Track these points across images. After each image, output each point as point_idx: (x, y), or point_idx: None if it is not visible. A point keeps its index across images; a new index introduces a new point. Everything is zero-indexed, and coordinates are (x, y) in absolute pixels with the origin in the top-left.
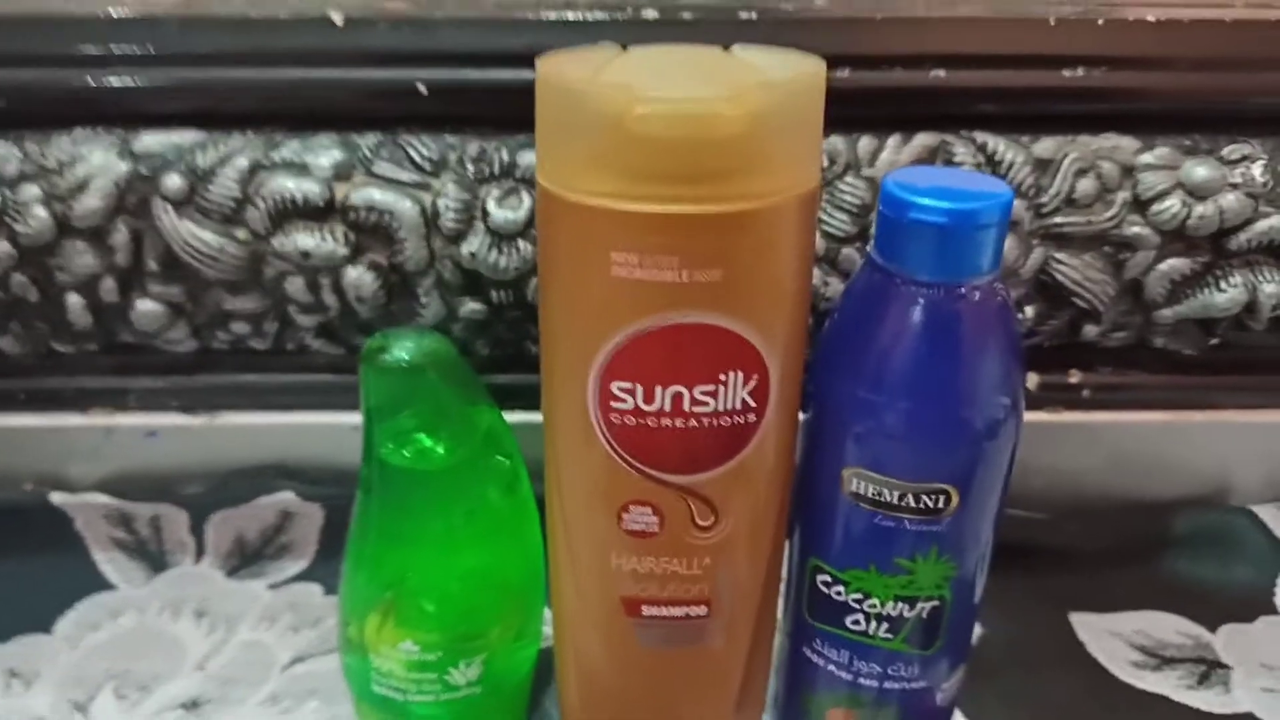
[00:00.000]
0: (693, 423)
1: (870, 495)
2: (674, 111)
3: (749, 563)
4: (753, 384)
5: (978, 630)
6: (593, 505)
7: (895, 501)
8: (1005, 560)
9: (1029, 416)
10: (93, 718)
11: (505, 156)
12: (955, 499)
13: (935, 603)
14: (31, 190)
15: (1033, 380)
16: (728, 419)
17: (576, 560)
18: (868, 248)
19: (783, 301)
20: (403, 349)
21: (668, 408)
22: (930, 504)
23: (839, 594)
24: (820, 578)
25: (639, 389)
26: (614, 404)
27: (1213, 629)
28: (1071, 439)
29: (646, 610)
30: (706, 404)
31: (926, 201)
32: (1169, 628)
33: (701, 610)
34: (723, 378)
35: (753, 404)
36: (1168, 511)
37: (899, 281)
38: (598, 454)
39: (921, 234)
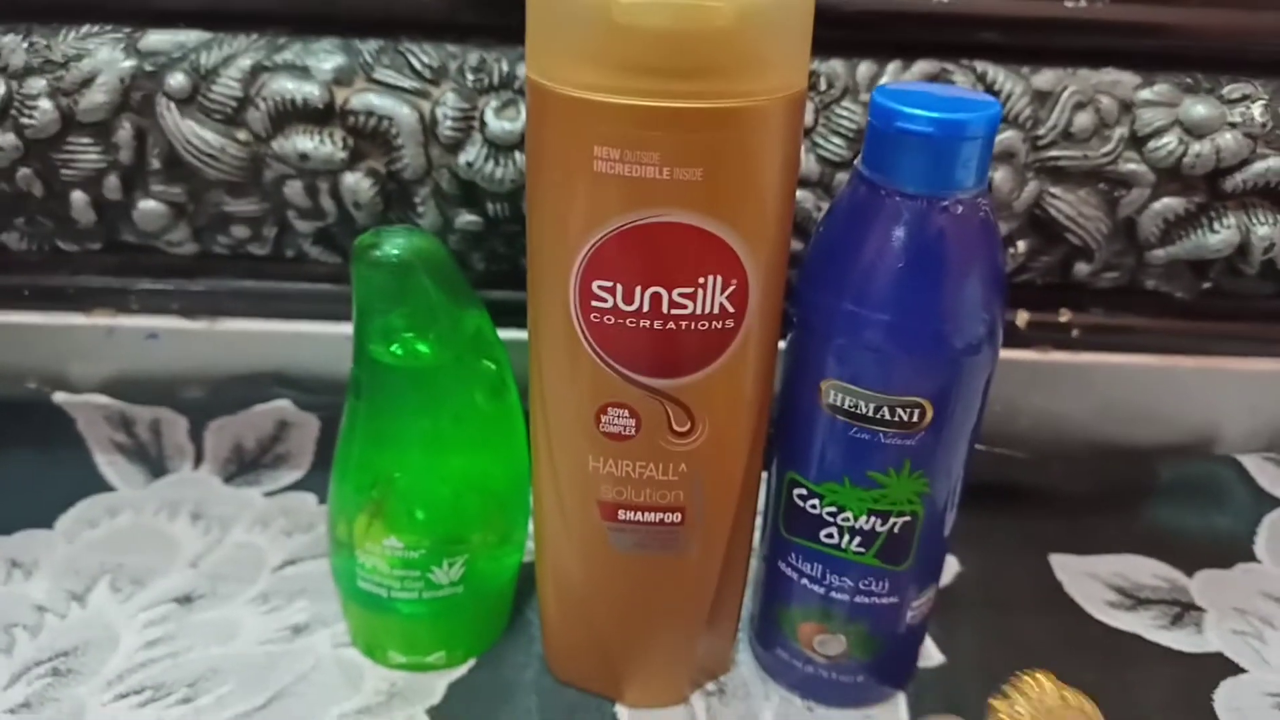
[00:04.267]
0: (670, 325)
1: (847, 408)
2: (662, 1)
3: (724, 472)
4: (731, 289)
5: (955, 566)
6: (573, 407)
7: (871, 414)
8: (986, 499)
9: (1018, 355)
10: (89, 606)
11: (505, 67)
12: (929, 413)
13: (907, 518)
14: (38, 83)
15: (1022, 318)
16: (705, 323)
17: (557, 463)
18: (856, 162)
19: (764, 206)
20: (393, 245)
21: (646, 309)
22: (905, 417)
23: (814, 508)
24: (797, 491)
25: (619, 289)
26: (594, 303)
27: (1190, 574)
28: (1059, 379)
29: (622, 515)
30: (685, 306)
31: (915, 111)
32: (1146, 571)
33: (676, 517)
34: (701, 281)
35: (731, 309)
36: (1153, 458)
37: (884, 193)
38: (578, 354)
39: (908, 144)
